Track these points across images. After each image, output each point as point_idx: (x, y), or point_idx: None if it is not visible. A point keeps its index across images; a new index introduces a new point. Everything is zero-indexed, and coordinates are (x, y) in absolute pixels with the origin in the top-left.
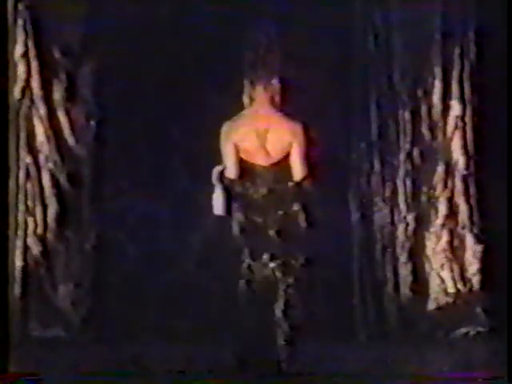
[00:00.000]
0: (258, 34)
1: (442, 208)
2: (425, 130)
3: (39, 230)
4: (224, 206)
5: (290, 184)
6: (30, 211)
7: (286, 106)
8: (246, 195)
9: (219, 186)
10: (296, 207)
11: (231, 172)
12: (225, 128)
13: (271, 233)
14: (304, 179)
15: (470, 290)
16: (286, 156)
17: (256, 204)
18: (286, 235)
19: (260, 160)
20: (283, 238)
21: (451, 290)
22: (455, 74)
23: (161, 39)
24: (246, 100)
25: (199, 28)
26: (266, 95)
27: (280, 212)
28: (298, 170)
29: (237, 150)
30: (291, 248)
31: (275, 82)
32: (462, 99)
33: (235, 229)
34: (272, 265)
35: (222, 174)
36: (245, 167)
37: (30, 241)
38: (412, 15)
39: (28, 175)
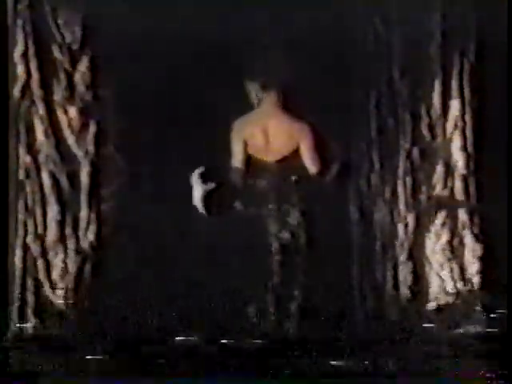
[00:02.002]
0: (262, 37)
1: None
2: (425, 130)
3: (39, 230)
4: (203, 205)
5: (290, 181)
6: (29, 211)
7: (292, 106)
8: (247, 190)
9: (199, 187)
10: (296, 207)
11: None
12: (235, 126)
13: (269, 231)
14: (320, 172)
15: (470, 289)
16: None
17: (257, 200)
18: (284, 235)
19: (267, 156)
20: (282, 238)
21: (451, 289)
22: (455, 74)
23: (161, 39)
24: (254, 101)
25: (200, 28)
26: (273, 96)
27: (279, 212)
28: (310, 165)
29: (246, 147)
30: (290, 248)
31: (281, 83)
32: (461, 99)
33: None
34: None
35: (202, 175)
36: (251, 163)
37: (30, 241)
38: (412, 15)
39: (28, 175)
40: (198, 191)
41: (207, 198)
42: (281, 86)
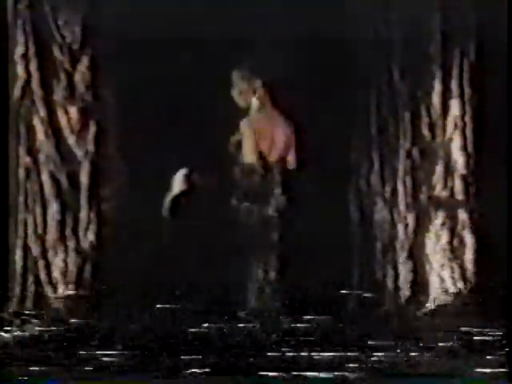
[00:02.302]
0: (262, 37)
1: (442, 208)
2: (425, 130)
3: (39, 230)
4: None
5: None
6: (29, 211)
7: (288, 106)
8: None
9: (176, 188)
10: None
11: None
12: (243, 125)
13: (269, 233)
14: (298, 168)
15: (470, 290)
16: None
17: (259, 199)
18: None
19: (270, 156)
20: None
21: (451, 289)
22: (455, 74)
23: (161, 39)
24: (252, 102)
25: (200, 28)
26: (269, 98)
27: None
28: (292, 162)
29: (257, 145)
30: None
31: (280, 83)
32: (461, 99)
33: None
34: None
35: (186, 177)
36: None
37: (30, 241)
38: (412, 15)
39: (28, 175)
40: (173, 192)
41: (176, 201)
42: (280, 85)
